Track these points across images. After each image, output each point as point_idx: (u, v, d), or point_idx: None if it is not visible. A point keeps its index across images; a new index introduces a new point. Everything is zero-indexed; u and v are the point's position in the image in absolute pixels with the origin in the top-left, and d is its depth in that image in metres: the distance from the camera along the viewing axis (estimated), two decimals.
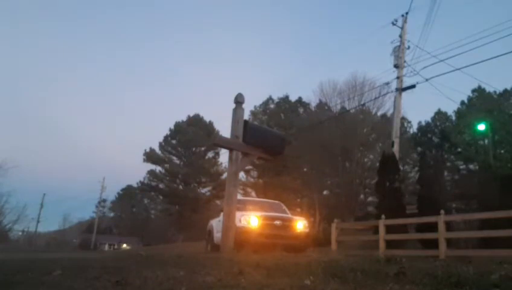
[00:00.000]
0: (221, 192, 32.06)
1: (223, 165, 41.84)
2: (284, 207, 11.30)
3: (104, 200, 54.08)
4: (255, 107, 37.34)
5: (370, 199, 27.05)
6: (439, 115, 33.13)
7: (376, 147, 27.57)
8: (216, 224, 10.53)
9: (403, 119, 29.13)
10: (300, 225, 9.58)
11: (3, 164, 38.56)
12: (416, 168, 27.94)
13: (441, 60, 15.12)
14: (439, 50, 32.43)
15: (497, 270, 3.84)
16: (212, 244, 10.36)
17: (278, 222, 9.31)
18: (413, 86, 16.45)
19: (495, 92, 29.81)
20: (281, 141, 9.70)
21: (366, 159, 27.16)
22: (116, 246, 52.29)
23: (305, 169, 29.89)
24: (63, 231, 66.64)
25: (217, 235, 9.77)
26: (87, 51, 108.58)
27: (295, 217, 10.24)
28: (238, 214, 8.70)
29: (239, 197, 11.26)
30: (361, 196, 27.10)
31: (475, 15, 69.13)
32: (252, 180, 36.74)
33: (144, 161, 44.99)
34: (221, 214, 9.25)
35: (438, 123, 33.02)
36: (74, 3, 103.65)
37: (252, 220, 9.02)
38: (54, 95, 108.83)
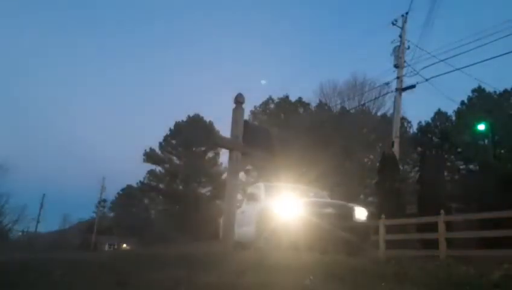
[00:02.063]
0: (221, 192, 32.05)
1: (223, 165, 41.86)
2: (325, 193, 9.57)
3: (104, 200, 54.14)
4: (255, 107, 37.32)
5: (370, 199, 27.06)
6: (439, 115, 33.10)
7: (376, 147, 27.60)
8: (238, 217, 7.66)
9: (403, 119, 29.11)
10: (360, 213, 7.66)
11: (3, 164, 38.56)
12: (416, 168, 27.94)
13: (441, 60, 15.14)
14: (439, 50, 32.37)
15: (497, 270, 3.84)
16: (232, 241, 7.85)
17: (329, 210, 7.33)
18: (413, 86, 16.47)
19: (495, 92, 29.83)
20: (281, 141, 9.65)
21: (366, 159, 27.18)
22: (116, 246, 52.26)
23: (305, 169, 29.88)
24: (63, 231, 66.52)
25: (239, 230, 7.38)
26: (87, 51, 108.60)
27: (351, 204, 8.07)
28: (273, 200, 7.24)
29: (266, 182, 9.86)
30: (361, 196, 27.11)
31: (475, 15, 69.12)
32: (252, 180, 36.71)
33: (144, 161, 45.10)
34: (244, 204, 8.22)
35: (438, 123, 32.97)
36: (74, 3, 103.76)
37: (294, 207, 6.98)
38: (53, 94, 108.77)
